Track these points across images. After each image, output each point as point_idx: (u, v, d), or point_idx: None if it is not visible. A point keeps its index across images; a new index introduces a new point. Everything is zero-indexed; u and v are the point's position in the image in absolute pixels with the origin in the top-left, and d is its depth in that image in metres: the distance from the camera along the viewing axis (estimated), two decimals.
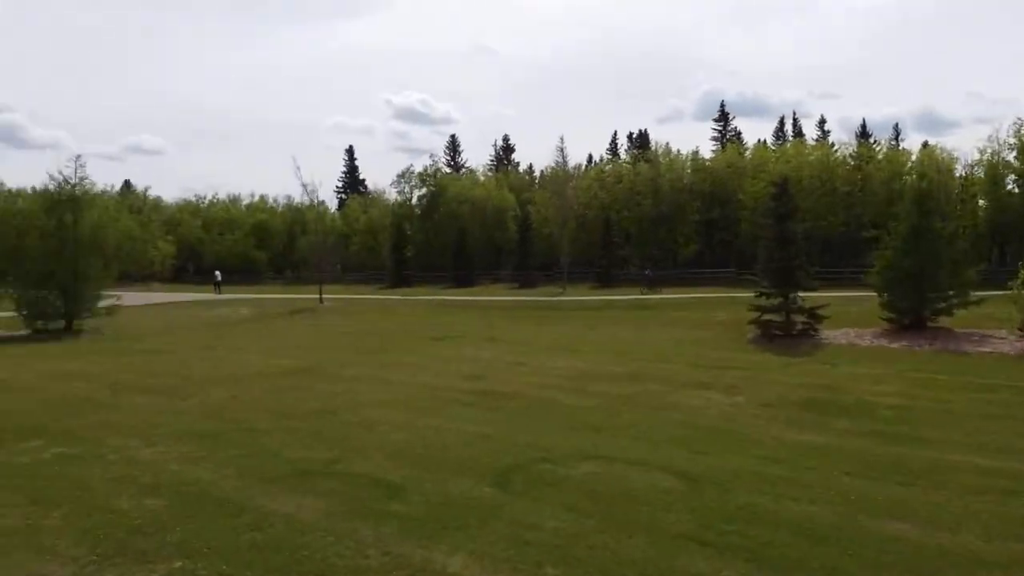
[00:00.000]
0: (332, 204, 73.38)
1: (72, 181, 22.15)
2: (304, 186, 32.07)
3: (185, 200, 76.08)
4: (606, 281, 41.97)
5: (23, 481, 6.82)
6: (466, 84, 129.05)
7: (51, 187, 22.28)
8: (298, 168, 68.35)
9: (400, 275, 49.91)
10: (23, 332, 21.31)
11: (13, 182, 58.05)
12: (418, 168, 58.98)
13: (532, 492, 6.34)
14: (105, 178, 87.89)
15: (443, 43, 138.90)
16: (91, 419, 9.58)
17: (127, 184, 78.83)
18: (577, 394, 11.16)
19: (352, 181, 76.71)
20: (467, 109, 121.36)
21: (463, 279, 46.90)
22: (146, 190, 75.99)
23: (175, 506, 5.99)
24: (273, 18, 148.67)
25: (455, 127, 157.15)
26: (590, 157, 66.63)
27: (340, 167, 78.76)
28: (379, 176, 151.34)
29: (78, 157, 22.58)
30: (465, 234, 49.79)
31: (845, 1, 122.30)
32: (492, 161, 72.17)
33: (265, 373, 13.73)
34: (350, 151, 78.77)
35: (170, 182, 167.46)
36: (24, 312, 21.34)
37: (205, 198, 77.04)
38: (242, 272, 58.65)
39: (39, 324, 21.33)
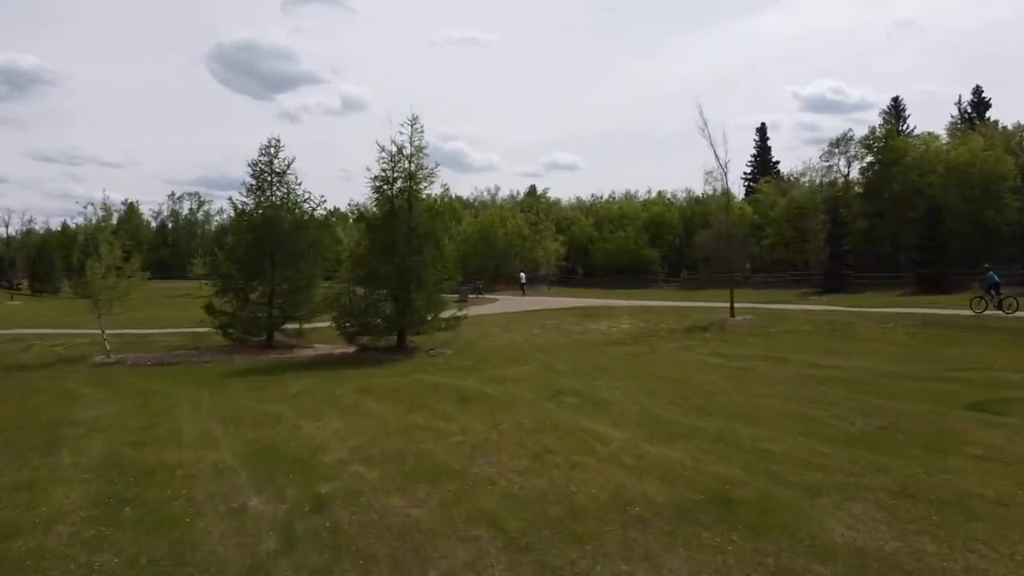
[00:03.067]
0: (739, 193, 62.48)
1: (407, 151, 16.45)
2: (713, 150, 22.86)
3: (579, 199, 74.01)
4: None
5: None
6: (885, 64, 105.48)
7: (382, 164, 16.69)
8: (704, 125, 59.32)
9: (837, 276, 36.47)
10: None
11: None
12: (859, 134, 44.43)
13: None
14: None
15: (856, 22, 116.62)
16: None
17: (532, 189, 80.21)
18: None
19: (763, 165, 62.08)
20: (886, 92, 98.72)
21: (933, 280, 32.23)
22: (545, 191, 76.27)
23: None
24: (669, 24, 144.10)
25: (868, 113, 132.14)
26: None
27: (750, 152, 64.33)
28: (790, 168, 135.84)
29: (415, 119, 16.53)
30: (938, 215, 34.53)
31: None
32: (956, 121, 52.27)
33: (626, 493, 5.13)
34: (761, 129, 63.78)
35: (583, 192, 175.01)
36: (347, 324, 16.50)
37: (602, 196, 73.93)
38: (632, 272, 52.31)
39: (364, 340, 16.40)
